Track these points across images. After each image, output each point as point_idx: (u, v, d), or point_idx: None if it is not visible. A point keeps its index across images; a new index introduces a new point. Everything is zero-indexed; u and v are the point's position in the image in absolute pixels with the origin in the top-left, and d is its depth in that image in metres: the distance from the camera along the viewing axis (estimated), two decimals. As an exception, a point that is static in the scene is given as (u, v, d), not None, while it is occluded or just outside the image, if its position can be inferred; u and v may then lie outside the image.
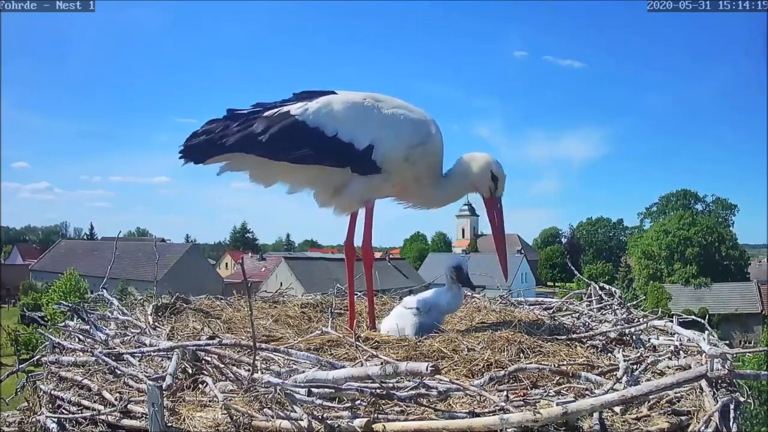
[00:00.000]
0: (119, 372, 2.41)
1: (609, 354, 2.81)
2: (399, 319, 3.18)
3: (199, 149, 3.04)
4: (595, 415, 1.89)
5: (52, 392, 2.53)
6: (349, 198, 3.18)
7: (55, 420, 2.34)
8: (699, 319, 3.21)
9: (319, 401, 2.01)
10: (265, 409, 2.01)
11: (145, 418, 2.03)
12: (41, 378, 2.82)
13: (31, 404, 2.86)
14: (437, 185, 3.32)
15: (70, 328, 3.14)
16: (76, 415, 2.28)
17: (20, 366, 3.22)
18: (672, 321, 3.18)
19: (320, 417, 1.92)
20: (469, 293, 4.14)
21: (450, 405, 2.04)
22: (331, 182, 3.18)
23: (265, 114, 3.06)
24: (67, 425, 2.30)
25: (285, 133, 3.00)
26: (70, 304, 3.36)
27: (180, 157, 3.06)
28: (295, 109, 3.06)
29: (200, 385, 2.27)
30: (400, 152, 3.10)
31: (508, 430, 1.80)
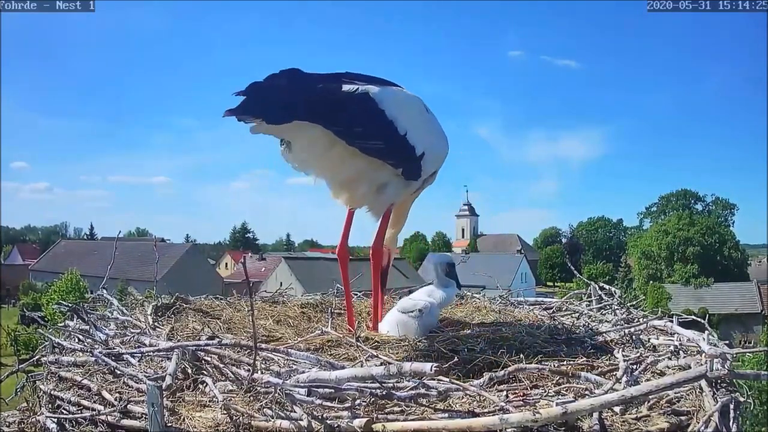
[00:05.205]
0: (119, 372, 2.41)
1: (609, 354, 2.81)
2: (399, 324, 3.16)
3: (274, 106, 2.55)
4: (595, 415, 1.89)
5: (52, 392, 2.53)
6: (385, 199, 3.05)
7: (55, 420, 2.35)
8: (699, 319, 3.20)
9: (318, 401, 2.01)
10: (265, 409, 2.01)
11: (145, 418, 2.03)
12: (41, 378, 2.82)
13: (31, 404, 2.85)
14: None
15: (70, 328, 3.14)
16: (76, 415, 2.29)
17: (20, 366, 3.21)
18: (672, 321, 3.18)
19: (320, 417, 1.92)
20: (461, 292, 4.15)
21: (450, 405, 2.04)
22: (377, 180, 3.00)
23: (345, 89, 2.74)
24: (66, 425, 2.31)
25: (365, 117, 2.77)
26: (70, 304, 3.36)
27: (235, 112, 2.47)
28: (373, 92, 2.80)
29: (200, 385, 2.27)
30: (437, 163, 3.10)
31: (507, 430, 1.80)
